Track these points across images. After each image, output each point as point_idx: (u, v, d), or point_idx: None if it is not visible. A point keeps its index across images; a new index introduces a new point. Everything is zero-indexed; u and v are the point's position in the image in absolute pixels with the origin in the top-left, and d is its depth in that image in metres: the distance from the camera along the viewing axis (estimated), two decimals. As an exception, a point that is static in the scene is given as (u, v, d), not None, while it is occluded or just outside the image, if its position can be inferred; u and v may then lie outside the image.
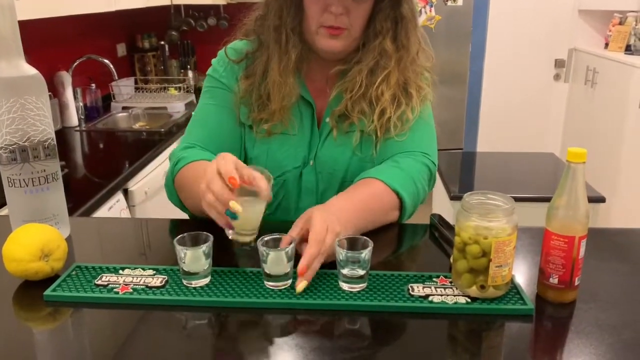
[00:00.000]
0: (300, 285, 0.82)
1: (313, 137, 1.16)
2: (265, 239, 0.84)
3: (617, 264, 0.95)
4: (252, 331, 0.76)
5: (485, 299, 0.80)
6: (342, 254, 0.82)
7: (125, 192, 2.19)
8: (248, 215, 0.86)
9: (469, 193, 0.81)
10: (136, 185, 2.25)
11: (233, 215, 0.83)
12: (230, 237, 0.89)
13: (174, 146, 2.71)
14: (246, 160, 1.18)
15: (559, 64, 3.98)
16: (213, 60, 1.22)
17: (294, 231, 0.88)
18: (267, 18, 1.13)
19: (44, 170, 0.95)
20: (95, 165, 2.35)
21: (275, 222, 1.17)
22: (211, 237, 0.84)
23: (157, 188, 2.48)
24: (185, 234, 0.85)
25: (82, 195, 1.88)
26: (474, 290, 0.80)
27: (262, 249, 0.82)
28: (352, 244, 0.83)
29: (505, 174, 2.36)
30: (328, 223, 0.87)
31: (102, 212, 1.93)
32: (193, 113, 1.22)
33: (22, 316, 0.83)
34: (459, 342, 0.76)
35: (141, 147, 2.52)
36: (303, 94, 1.15)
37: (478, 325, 0.78)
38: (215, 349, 0.73)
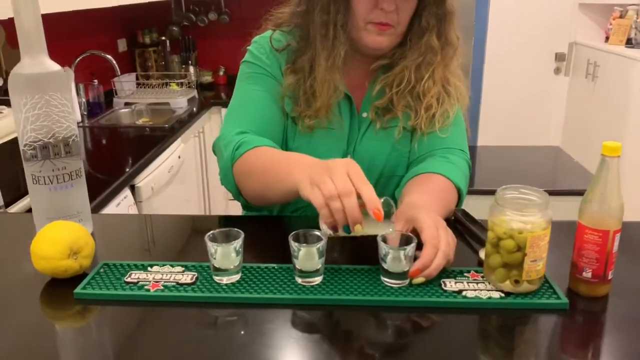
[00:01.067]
0: (417, 279, 0.83)
1: (352, 130, 1.16)
2: (297, 233, 0.83)
3: (643, 257, 0.95)
4: (283, 327, 0.76)
5: (519, 294, 0.80)
6: (384, 249, 0.81)
7: (132, 188, 2.18)
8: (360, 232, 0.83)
9: (502, 187, 0.81)
10: (143, 181, 2.24)
11: (347, 230, 0.81)
12: (327, 233, 0.84)
13: (178, 141, 2.71)
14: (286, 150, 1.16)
15: (559, 57, 3.99)
16: (251, 48, 1.19)
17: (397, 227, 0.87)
18: (311, 12, 1.11)
19: (65, 168, 0.94)
20: (101, 161, 2.34)
21: (309, 217, 1.17)
22: (242, 234, 0.83)
23: (164, 184, 2.48)
24: (215, 231, 0.84)
25: (89, 192, 1.87)
26: (507, 285, 0.80)
27: (293, 244, 0.82)
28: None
29: (510, 168, 2.37)
30: (436, 221, 0.86)
31: (111, 209, 1.92)
32: (234, 97, 1.18)
33: (51, 315, 0.83)
34: (493, 337, 0.76)
35: (146, 143, 2.51)
36: (345, 90, 1.14)
37: (512, 319, 0.78)
38: (247, 345, 0.72)
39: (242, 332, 0.75)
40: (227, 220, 1.18)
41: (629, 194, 2.27)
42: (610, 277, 0.81)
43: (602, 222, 0.78)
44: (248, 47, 1.19)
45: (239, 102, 1.17)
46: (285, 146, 1.17)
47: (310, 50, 1.11)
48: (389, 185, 1.18)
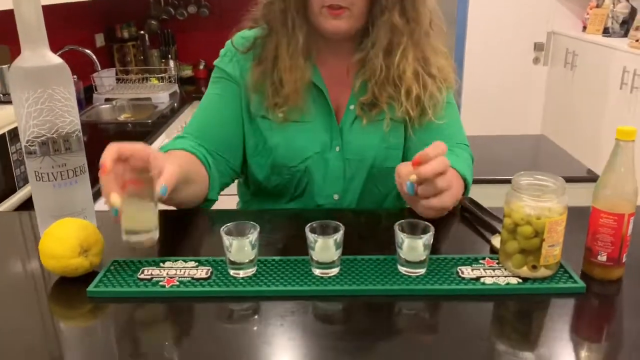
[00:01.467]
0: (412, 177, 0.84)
1: (332, 122, 1.15)
2: (314, 225, 0.83)
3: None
4: (302, 319, 0.75)
5: (536, 279, 0.81)
6: (401, 237, 0.81)
7: (119, 185, 2.14)
8: (132, 214, 0.83)
9: (517, 174, 0.81)
10: (130, 178, 2.20)
11: (114, 211, 0.81)
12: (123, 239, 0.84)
13: (162, 137, 2.67)
14: (267, 151, 1.16)
15: (538, 47, 4.04)
16: (221, 50, 1.21)
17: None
18: (274, 3, 1.11)
19: (64, 165, 0.92)
20: (86, 158, 2.29)
21: (299, 210, 1.18)
22: (257, 227, 0.82)
23: (150, 180, 2.44)
24: (230, 224, 0.83)
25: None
26: (525, 271, 0.81)
27: (310, 235, 0.81)
28: (413, 228, 0.83)
29: (498, 157, 2.39)
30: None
31: (98, 207, 1.88)
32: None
33: (64, 314, 0.81)
34: (512, 323, 0.77)
35: (129, 139, 2.42)
36: (315, 80, 1.13)
37: (530, 305, 0.78)
38: (267, 338, 0.71)
39: (261, 323, 0.74)
40: (236, 214, 1.17)
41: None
42: (624, 260, 0.82)
43: (617, 206, 0.79)
44: (214, 63, 1.21)
45: (200, 106, 1.21)
46: (264, 145, 1.16)
47: (273, 41, 1.11)
48: (380, 177, 1.17)
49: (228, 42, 1.20)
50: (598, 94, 3.35)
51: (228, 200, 1.30)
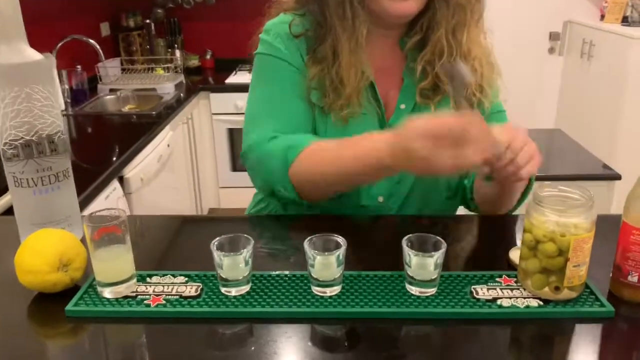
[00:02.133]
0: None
1: (382, 120, 1.06)
2: (313, 239, 0.75)
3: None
4: (300, 344, 0.68)
5: (559, 302, 0.73)
6: (409, 254, 0.74)
7: (121, 180, 2.08)
8: (108, 265, 0.76)
9: (540, 185, 0.74)
10: (132, 172, 2.14)
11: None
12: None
13: (167, 129, 2.61)
14: None
15: (553, 36, 3.92)
16: (265, 37, 1.07)
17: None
18: None
19: (50, 168, 0.85)
20: (87, 151, 2.23)
21: (329, 217, 1.08)
22: (251, 241, 0.75)
23: (153, 174, 2.38)
24: (222, 237, 0.76)
25: (76, 184, 1.77)
26: (546, 292, 0.73)
27: (309, 251, 0.74)
28: (423, 243, 0.76)
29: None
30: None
31: (99, 202, 1.83)
32: (253, 98, 1.07)
33: (42, 333, 0.74)
34: (533, 350, 0.69)
35: (134, 131, 2.41)
36: (369, 72, 1.03)
37: (552, 330, 0.71)
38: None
39: (253, 349, 0.67)
40: (227, 221, 1.10)
41: (626, 176, 2.20)
42: None
43: None
44: (260, 36, 1.08)
45: (262, 103, 1.06)
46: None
47: (331, 36, 1.00)
48: (429, 180, 1.08)
49: (273, 26, 1.07)
50: (616, 86, 3.23)
51: (228, 192, 1.21)
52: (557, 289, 0.72)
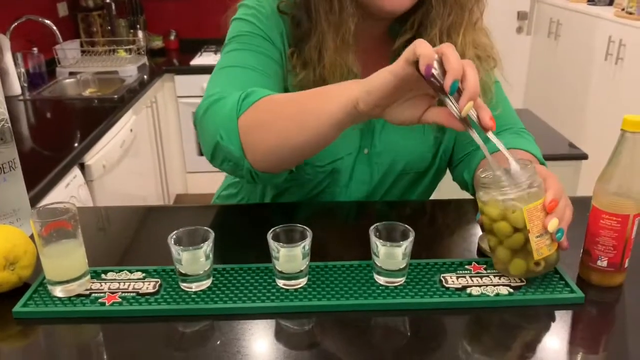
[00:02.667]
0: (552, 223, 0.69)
1: (366, 121, 0.97)
2: (277, 231, 0.72)
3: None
4: (265, 340, 0.66)
5: (529, 289, 0.72)
6: (377, 243, 0.71)
7: (82, 167, 2.01)
8: (58, 262, 0.71)
9: (480, 171, 0.72)
10: (93, 158, 2.07)
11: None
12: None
13: (130, 113, 2.53)
14: None
15: (521, 16, 3.92)
16: (248, 2, 0.97)
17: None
18: None
19: (-4, 158, 0.80)
20: (45, 138, 2.14)
21: (294, 205, 1.04)
22: (212, 234, 0.72)
23: (116, 160, 2.31)
24: (180, 230, 0.72)
25: (34, 173, 1.70)
26: (531, 272, 0.71)
27: (273, 244, 0.71)
28: (390, 232, 0.73)
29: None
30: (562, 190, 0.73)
31: (59, 191, 1.76)
32: (223, 60, 0.95)
33: (-12, 337, 0.69)
34: (502, 338, 0.67)
35: (94, 116, 2.32)
36: (357, 71, 0.95)
37: (522, 317, 0.70)
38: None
39: (216, 347, 0.64)
40: (191, 211, 1.05)
41: (594, 154, 2.22)
42: (626, 265, 0.73)
43: (622, 206, 0.70)
44: (240, 4, 0.98)
45: (229, 62, 0.94)
46: None
47: (316, 34, 0.92)
48: (407, 182, 1.04)
49: (252, 2, 0.97)
50: (582, 65, 3.26)
51: (194, 178, 1.16)
52: (537, 264, 0.70)
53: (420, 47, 0.67)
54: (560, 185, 0.72)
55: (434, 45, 0.69)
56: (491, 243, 0.73)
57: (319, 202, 1.03)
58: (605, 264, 0.72)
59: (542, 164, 0.94)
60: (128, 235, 0.92)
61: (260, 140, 0.82)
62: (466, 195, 1.04)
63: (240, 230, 0.94)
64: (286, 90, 0.96)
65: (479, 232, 0.88)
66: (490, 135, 0.69)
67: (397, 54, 0.93)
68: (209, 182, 1.15)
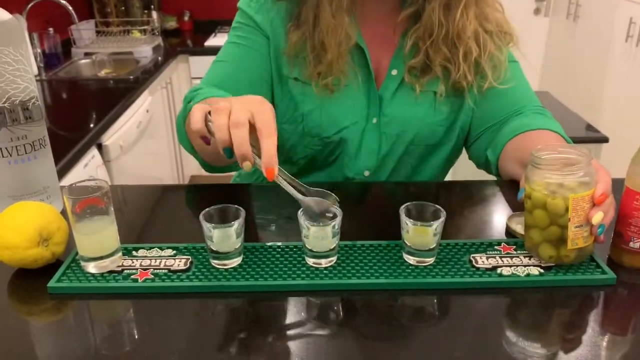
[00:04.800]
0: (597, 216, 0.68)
1: (371, 90, 1.00)
2: (307, 208, 0.72)
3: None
4: (295, 317, 0.66)
5: (560, 270, 0.72)
6: (407, 223, 0.71)
7: (99, 147, 2.02)
8: (91, 239, 0.71)
9: (537, 148, 0.71)
10: (110, 139, 2.08)
11: (229, 153, 0.69)
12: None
13: (145, 94, 2.53)
14: (298, 118, 1.02)
15: (539, -3, 3.86)
16: (241, 5, 1.03)
17: None
18: None
19: (25, 137, 0.80)
20: (63, 118, 2.16)
21: (325, 182, 1.05)
22: (243, 212, 0.72)
23: (133, 140, 2.32)
24: (211, 208, 0.72)
25: (53, 153, 1.71)
26: (558, 259, 0.71)
27: (303, 222, 0.71)
28: (421, 212, 0.73)
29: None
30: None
31: (78, 170, 1.77)
32: (220, 52, 1.05)
33: (24, 310, 0.70)
34: (533, 319, 0.67)
35: (111, 97, 2.33)
36: (358, 41, 0.98)
37: (553, 298, 0.69)
38: (254, 340, 0.62)
39: (247, 324, 0.65)
40: (219, 189, 1.05)
41: (609, 134, 2.18)
42: None
43: None
44: (238, 5, 1.03)
45: (221, 57, 1.04)
46: (294, 111, 1.02)
47: None
48: (417, 154, 1.05)
49: None
50: (602, 47, 3.21)
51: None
52: (567, 254, 0.70)
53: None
54: (610, 180, 0.71)
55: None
56: (528, 222, 0.72)
57: (345, 183, 1.03)
58: (637, 245, 0.72)
59: (568, 142, 0.93)
60: (153, 213, 0.92)
61: (199, 146, 0.87)
62: (485, 176, 1.03)
63: (267, 209, 0.94)
64: (282, 77, 1.01)
65: (506, 213, 0.87)
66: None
67: (403, 29, 0.97)
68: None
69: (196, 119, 0.70)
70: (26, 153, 0.80)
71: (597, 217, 0.68)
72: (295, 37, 0.97)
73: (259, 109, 0.69)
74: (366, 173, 1.04)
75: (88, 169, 1.86)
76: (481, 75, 0.98)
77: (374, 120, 1.00)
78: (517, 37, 1.01)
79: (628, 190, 0.71)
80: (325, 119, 0.99)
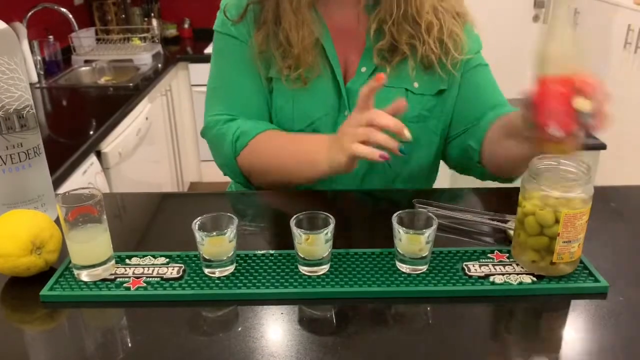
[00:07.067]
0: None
1: (340, 82, 1.02)
2: (300, 217, 0.72)
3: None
4: (288, 326, 0.66)
5: (553, 277, 0.72)
6: (399, 231, 0.71)
7: (98, 154, 2.03)
8: (84, 247, 0.72)
9: (537, 157, 0.71)
10: (109, 146, 2.08)
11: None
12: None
13: (145, 101, 2.54)
14: (274, 114, 1.05)
15: (538, 4, 3.87)
16: (219, 13, 1.06)
17: None
18: None
19: (21, 145, 0.81)
20: (62, 125, 2.16)
21: (313, 192, 1.04)
22: (235, 220, 0.72)
23: (132, 148, 2.32)
24: (204, 217, 0.72)
25: (51, 161, 1.70)
26: (541, 267, 0.71)
27: (296, 230, 0.71)
28: (413, 220, 0.73)
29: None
30: None
31: (76, 178, 1.77)
32: (210, 75, 1.09)
33: (16, 319, 0.70)
34: (525, 327, 0.67)
35: (110, 104, 2.34)
36: (323, 34, 1.00)
37: (545, 306, 0.69)
38: (246, 348, 0.62)
39: (239, 332, 0.65)
40: (214, 197, 1.06)
41: (607, 142, 2.18)
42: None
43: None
44: (214, 28, 1.07)
45: (216, 82, 1.08)
46: (272, 107, 1.05)
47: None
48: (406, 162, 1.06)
49: (223, 3, 1.06)
50: (600, 54, 3.22)
51: (210, 165, 1.18)
52: (552, 264, 0.70)
53: (358, 150, 0.83)
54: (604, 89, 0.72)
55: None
56: (517, 229, 0.72)
57: (339, 190, 1.03)
58: (557, 133, 0.72)
59: None
60: (148, 221, 0.93)
61: (260, 179, 1.03)
62: (479, 184, 1.04)
63: (260, 217, 0.94)
64: (268, 78, 1.04)
65: (500, 220, 0.87)
66: None
67: (370, 19, 1.01)
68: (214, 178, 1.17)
69: (362, 149, 0.84)
70: (21, 161, 0.81)
71: (580, 102, 0.70)
72: (259, 37, 1.00)
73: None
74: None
75: (87, 176, 1.86)
76: (445, 51, 1.01)
77: (346, 113, 1.02)
78: (472, 16, 1.06)
79: (540, 80, 0.72)
80: (297, 111, 1.01)
